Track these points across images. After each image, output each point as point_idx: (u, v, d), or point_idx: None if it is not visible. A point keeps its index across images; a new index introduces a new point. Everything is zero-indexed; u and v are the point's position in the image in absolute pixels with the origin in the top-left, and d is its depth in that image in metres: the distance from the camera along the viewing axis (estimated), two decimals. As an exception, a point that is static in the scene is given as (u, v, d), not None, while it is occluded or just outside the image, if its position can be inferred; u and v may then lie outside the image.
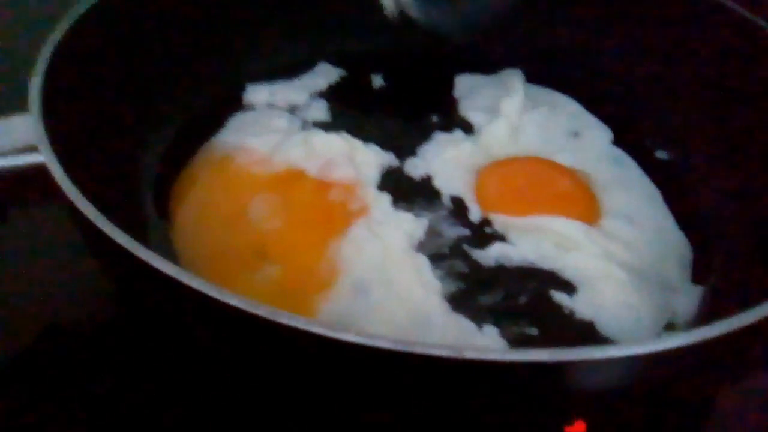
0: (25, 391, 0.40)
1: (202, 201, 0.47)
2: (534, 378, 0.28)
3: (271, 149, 0.50)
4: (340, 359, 0.28)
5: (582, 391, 0.30)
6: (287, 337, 0.27)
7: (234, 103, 0.56)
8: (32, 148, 0.36)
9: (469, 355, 0.26)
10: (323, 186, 0.48)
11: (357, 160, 0.50)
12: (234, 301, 0.26)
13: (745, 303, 0.38)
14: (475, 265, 0.46)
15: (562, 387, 0.29)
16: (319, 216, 0.46)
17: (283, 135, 0.51)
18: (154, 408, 0.39)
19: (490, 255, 0.46)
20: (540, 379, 0.28)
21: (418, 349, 0.26)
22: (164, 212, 0.47)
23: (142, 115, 0.47)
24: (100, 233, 0.31)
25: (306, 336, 0.26)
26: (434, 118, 0.57)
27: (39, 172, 0.35)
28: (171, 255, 0.44)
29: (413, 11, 0.48)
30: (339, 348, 0.26)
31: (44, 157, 0.34)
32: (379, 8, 0.59)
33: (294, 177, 0.48)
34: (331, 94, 0.59)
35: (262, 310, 0.26)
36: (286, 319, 0.26)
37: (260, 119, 0.54)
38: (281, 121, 0.54)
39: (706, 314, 0.43)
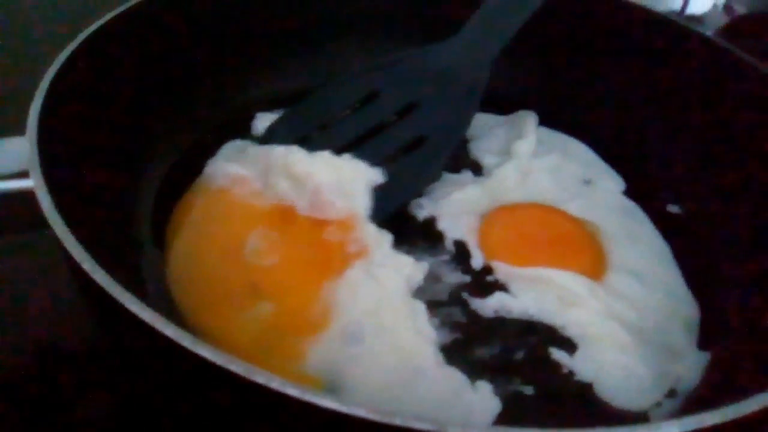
0: (20, 413, 0.39)
1: (197, 233, 0.46)
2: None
3: (259, 180, 0.48)
4: (317, 423, 0.26)
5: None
6: (262, 394, 0.25)
7: (240, 132, 0.55)
8: (25, 174, 0.35)
9: (452, 431, 0.24)
10: (320, 222, 0.46)
11: (345, 185, 0.48)
12: (206, 353, 0.25)
13: (753, 374, 0.37)
14: (474, 315, 0.44)
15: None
16: (315, 255, 0.45)
17: (264, 164, 0.49)
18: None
19: (490, 305, 0.45)
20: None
21: (398, 421, 0.24)
22: (160, 241, 0.46)
23: (142, 143, 0.47)
24: (79, 268, 0.30)
25: (280, 397, 0.25)
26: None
27: (30, 198, 0.34)
28: (163, 285, 0.43)
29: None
30: (314, 412, 0.25)
31: (34, 182, 0.33)
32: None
33: (288, 211, 0.47)
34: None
35: (236, 366, 0.25)
36: (261, 378, 0.25)
37: (248, 147, 0.52)
38: (263, 150, 0.51)
39: (710, 383, 0.41)
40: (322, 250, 0.45)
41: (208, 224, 0.46)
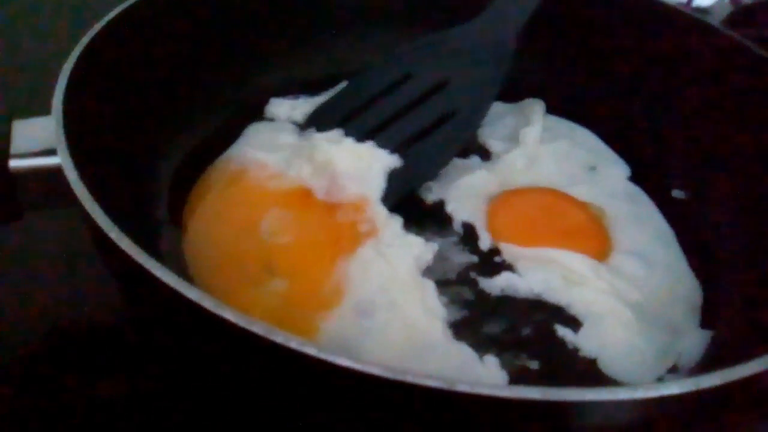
0: (29, 395, 0.40)
1: (214, 213, 0.47)
2: (525, 416, 0.28)
3: (282, 165, 0.50)
4: (332, 383, 0.28)
5: (571, 428, 0.30)
6: (281, 356, 0.27)
7: (256, 116, 0.57)
8: (51, 152, 0.36)
9: (461, 388, 0.26)
10: (334, 205, 0.48)
11: (364, 171, 0.50)
12: (229, 315, 0.27)
13: (752, 352, 0.38)
14: (481, 294, 0.46)
15: (555, 427, 0.29)
16: (328, 235, 0.46)
17: (291, 150, 0.51)
18: (157, 412, 0.39)
19: (497, 284, 0.46)
20: (531, 417, 0.28)
21: (410, 378, 0.26)
22: (178, 220, 0.47)
23: (163, 124, 0.48)
24: (106, 237, 0.31)
25: (298, 357, 0.26)
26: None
27: (56, 175, 0.35)
28: (181, 263, 0.44)
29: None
30: (331, 371, 0.26)
31: (61, 159, 0.35)
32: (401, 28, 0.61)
33: (305, 194, 0.48)
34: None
35: (257, 327, 0.27)
36: (281, 338, 0.27)
37: (273, 132, 0.55)
38: (292, 136, 0.54)
39: (710, 360, 0.42)
40: (335, 230, 0.47)
41: (226, 204, 0.48)
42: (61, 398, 0.40)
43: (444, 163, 0.53)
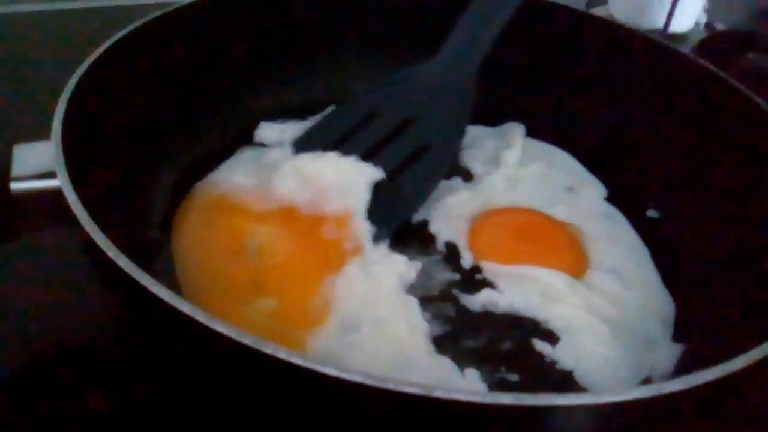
0: (29, 408, 0.41)
1: (200, 235, 0.49)
2: (500, 421, 0.29)
3: (264, 184, 0.52)
4: (318, 391, 0.29)
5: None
6: (269, 367, 0.28)
7: (246, 139, 0.59)
8: (50, 175, 0.38)
9: (438, 394, 0.27)
10: (318, 222, 0.50)
11: (348, 184, 0.52)
12: (221, 328, 0.28)
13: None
14: (463, 310, 0.47)
15: (524, 429, 0.31)
16: (314, 253, 0.48)
17: (275, 168, 0.53)
18: (150, 426, 0.41)
19: (478, 301, 0.48)
20: (506, 423, 0.30)
21: (390, 386, 0.27)
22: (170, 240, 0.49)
23: (158, 148, 0.50)
24: (104, 255, 0.33)
25: (286, 366, 0.28)
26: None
27: (55, 196, 0.37)
28: (174, 281, 0.46)
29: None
30: (316, 380, 0.28)
31: (60, 181, 0.37)
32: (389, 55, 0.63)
33: (290, 213, 0.50)
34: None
35: (248, 339, 0.28)
36: (270, 349, 0.28)
37: (259, 156, 0.56)
38: (274, 155, 0.55)
39: (682, 372, 0.43)
40: (321, 248, 0.48)
41: (211, 227, 0.49)
42: (55, 413, 0.41)
43: (426, 195, 0.54)
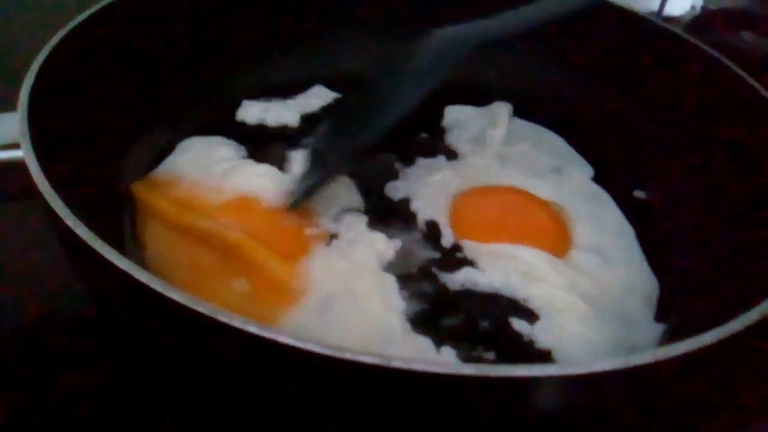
0: (17, 381, 0.41)
1: (164, 224, 0.47)
2: (461, 393, 0.29)
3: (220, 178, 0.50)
4: (274, 361, 0.29)
5: (514, 409, 0.31)
6: (223, 335, 0.28)
7: (228, 119, 0.58)
8: (16, 146, 0.37)
9: (396, 364, 0.27)
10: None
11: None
12: (175, 296, 0.28)
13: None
14: (442, 288, 0.47)
15: (494, 403, 0.30)
16: (279, 239, 0.47)
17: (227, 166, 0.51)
18: (144, 397, 0.40)
19: (458, 279, 0.47)
20: (468, 394, 0.29)
21: (348, 355, 0.27)
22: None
23: (129, 125, 0.49)
24: (66, 228, 0.32)
25: (240, 335, 0.27)
26: (420, 145, 0.59)
27: (20, 168, 0.36)
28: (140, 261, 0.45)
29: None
30: (271, 349, 0.27)
31: (24, 152, 0.36)
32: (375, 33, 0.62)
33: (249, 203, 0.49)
34: (322, 116, 0.61)
35: (202, 307, 0.28)
36: (226, 318, 0.27)
37: (208, 146, 0.54)
38: (227, 151, 0.54)
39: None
40: (284, 233, 0.47)
41: (172, 211, 0.47)
42: (28, 390, 0.41)
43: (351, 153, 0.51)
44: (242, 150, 0.55)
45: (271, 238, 0.46)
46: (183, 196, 0.49)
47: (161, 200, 0.48)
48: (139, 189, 0.49)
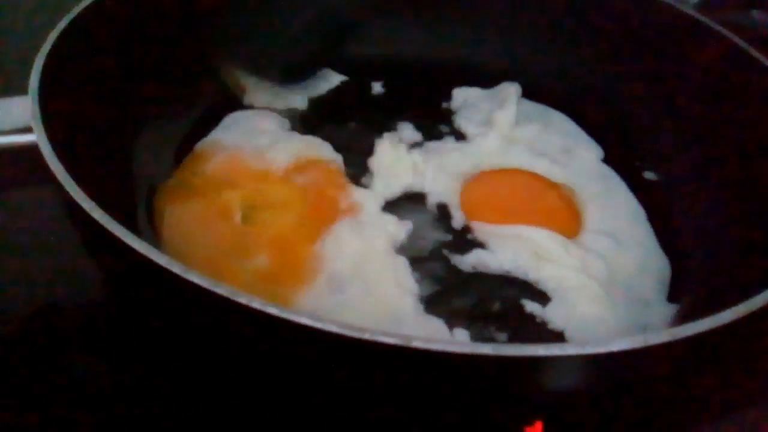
0: (19, 370, 0.41)
1: (185, 202, 0.48)
2: (480, 372, 0.29)
3: (260, 150, 0.51)
4: (294, 342, 0.29)
5: (531, 389, 0.31)
6: (244, 317, 0.28)
7: (234, 104, 0.58)
8: (28, 129, 0.37)
9: (416, 344, 0.27)
10: (312, 183, 0.49)
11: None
12: (196, 279, 0.28)
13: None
14: (453, 270, 0.47)
15: (510, 383, 0.30)
16: (309, 212, 0.47)
17: (270, 137, 0.53)
18: (145, 387, 0.40)
19: (469, 261, 0.47)
20: (487, 373, 0.29)
21: (367, 336, 0.27)
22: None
23: (141, 108, 0.49)
24: (82, 212, 0.32)
25: (261, 317, 0.27)
26: (429, 128, 0.58)
27: (33, 151, 0.36)
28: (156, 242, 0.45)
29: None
30: (291, 330, 0.27)
31: (36, 135, 0.36)
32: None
33: (278, 176, 0.50)
34: (330, 99, 0.60)
35: (222, 289, 0.28)
36: (244, 299, 0.28)
37: (251, 120, 0.56)
38: (270, 123, 0.55)
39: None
40: (315, 207, 0.48)
41: (197, 194, 0.48)
42: (37, 376, 0.41)
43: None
44: (286, 123, 0.56)
45: (305, 210, 0.47)
46: (217, 170, 0.50)
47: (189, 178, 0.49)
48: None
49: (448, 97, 0.62)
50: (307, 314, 0.27)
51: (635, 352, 0.29)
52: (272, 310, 0.27)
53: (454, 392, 0.31)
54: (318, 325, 0.27)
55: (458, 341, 0.38)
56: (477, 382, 0.30)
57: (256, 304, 0.27)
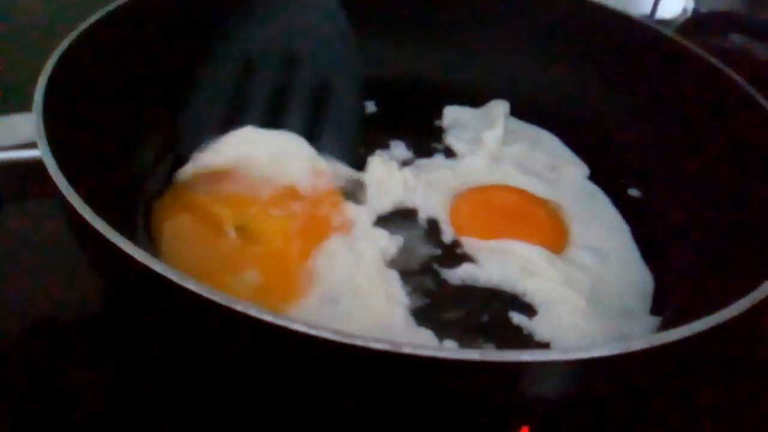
0: (18, 384, 0.41)
1: (181, 217, 0.49)
2: (467, 378, 0.30)
3: (257, 166, 0.52)
4: (288, 348, 0.30)
5: (517, 394, 0.32)
6: (239, 324, 0.29)
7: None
8: (32, 145, 0.39)
9: (406, 350, 0.28)
10: (308, 200, 0.50)
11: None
12: (192, 286, 0.29)
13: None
14: (443, 283, 0.48)
15: (497, 388, 0.31)
16: (302, 228, 0.49)
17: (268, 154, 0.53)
18: (144, 401, 0.41)
19: (458, 274, 0.48)
20: (474, 379, 0.30)
21: (359, 342, 0.28)
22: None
23: (143, 124, 0.50)
24: (84, 223, 0.33)
25: (255, 323, 0.28)
26: (420, 145, 0.60)
27: (36, 167, 0.37)
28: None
29: None
30: (285, 337, 0.28)
31: (41, 151, 0.37)
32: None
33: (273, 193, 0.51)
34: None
35: (218, 297, 0.29)
36: (240, 306, 0.29)
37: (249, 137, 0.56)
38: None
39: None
40: (309, 223, 0.49)
41: (192, 210, 0.49)
42: (36, 386, 0.41)
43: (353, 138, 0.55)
44: (294, 138, 0.55)
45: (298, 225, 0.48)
46: (221, 183, 0.51)
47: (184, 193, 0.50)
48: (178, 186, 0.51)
49: (439, 115, 0.64)
50: (301, 321, 0.28)
51: (616, 357, 0.30)
52: (268, 318, 0.28)
53: (444, 398, 0.32)
54: (312, 331, 0.28)
55: (446, 348, 0.39)
56: (465, 387, 0.31)
57: (252, 311, 0.29)
